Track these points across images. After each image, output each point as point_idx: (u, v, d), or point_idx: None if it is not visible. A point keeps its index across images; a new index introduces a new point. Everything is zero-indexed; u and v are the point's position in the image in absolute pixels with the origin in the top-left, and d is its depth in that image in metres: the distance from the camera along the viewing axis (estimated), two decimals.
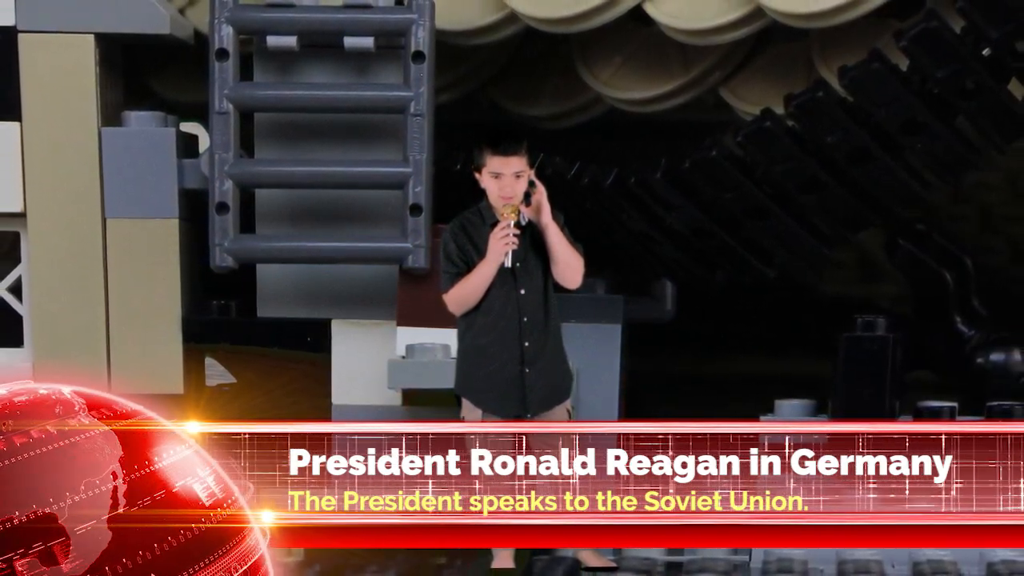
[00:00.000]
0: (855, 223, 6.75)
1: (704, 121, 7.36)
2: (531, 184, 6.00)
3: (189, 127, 7.07)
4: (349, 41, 6.71)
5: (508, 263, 5.99)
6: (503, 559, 6.28)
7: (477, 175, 6.05)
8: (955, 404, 6.68)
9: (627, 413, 7.25)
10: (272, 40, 6.74)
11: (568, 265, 6.02)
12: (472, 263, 6.03)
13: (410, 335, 6.79)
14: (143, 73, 7.40)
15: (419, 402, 6.91)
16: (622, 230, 6.92)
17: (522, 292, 6.07)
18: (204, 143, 6.91)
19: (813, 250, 6.82)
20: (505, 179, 6.00)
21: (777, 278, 6.96)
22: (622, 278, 7.18)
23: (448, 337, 6.73)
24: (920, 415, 6.66)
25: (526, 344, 6.09)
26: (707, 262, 6.92)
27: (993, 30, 6.34)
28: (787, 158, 6.58)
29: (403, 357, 6.79)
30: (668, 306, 7.27)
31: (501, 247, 5.96)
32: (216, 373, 7.14)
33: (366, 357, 6.88)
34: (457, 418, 6.45)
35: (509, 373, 6.11)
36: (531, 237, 6.08)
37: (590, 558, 6.33)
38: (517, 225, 5.99)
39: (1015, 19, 6.31)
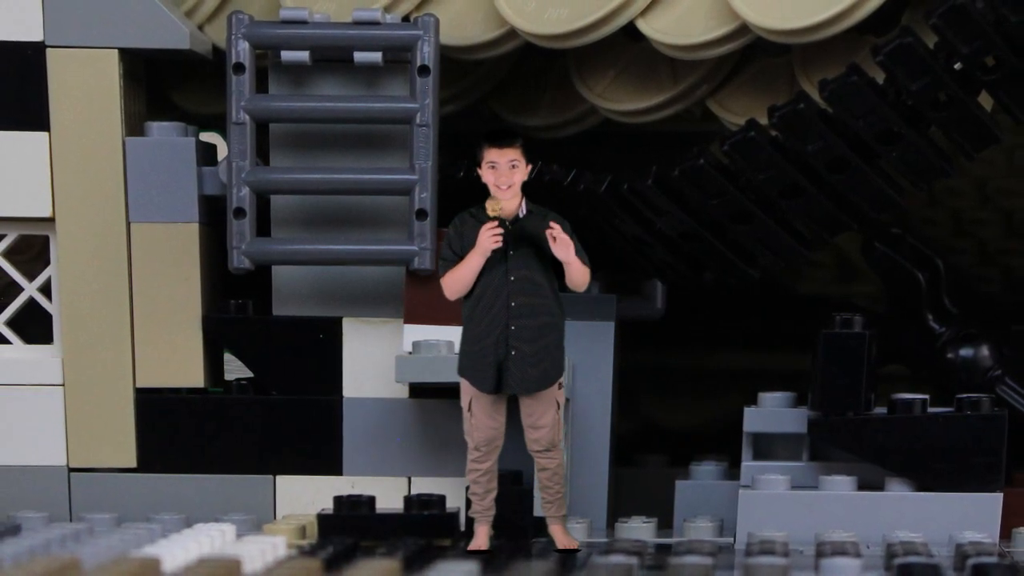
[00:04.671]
0: (834, 227, 6.78)
1: (692, 131, 7.43)
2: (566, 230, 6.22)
3: (208, 137, 7.14)
4: (359, 56, 6.77)
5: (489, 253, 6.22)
6: (479, 541, 6.38)
7: (479, 171, 6.27)
8: (927, 397, 6.67)
9: (620, 406, 7.23)
10: (286, 55, 6.81)
11: (580, 282, 6.27)
12: (461, 254, 6.25)
13: (416, 332, 6.83)
14: (164, 86, 7.45)
15: (424, 395, 6.88)
16: (615, 234, 6.93)
17: (512, 279, 6.27)
18: (222, 152, 6.94)
19: (794, 252, 6.78)
20: (501, 168, 6.23)
21: (761, 278, 6.92)
22: (615, 278, 7.18)
23: (452, 334, 6.76)
24: (894, 407, 6.64)
25: (512, 328, 6.26)
26: (695, 263, 6.93)
27: (964, 46, 6.39)
28: (770, 166, 6.61)
29: (410, 353, 6.80)
30: (658, 305, 7.28)
31: (489, 245, 6.19)
32: (234, 368, 7.14)
33: (375, 353, 6.90)
34: (456, 409, 6.45)
35: (494, 353, 6.27)
36: (529, 229, 6.24)
37: (559, 534, 6.33)
38: (501, 223, 6.20)
39: (984, 36, 6.29)
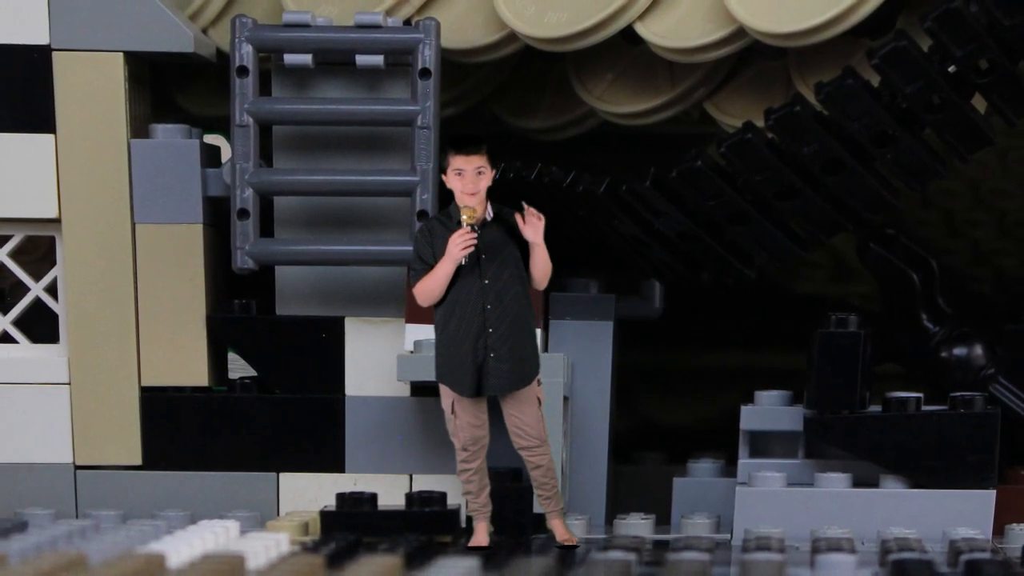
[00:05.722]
0: (829, 227, 6.80)
1: (690, 133, 7.43)
2: (529, 208, 6.22)
3: (212, 139, 7.12)
4: (361, 59, 6.79)
5: (464, 261, 6.24)
6: (479, 538, 6.41)
7: (444, 177, 6.30)
8: (921, 395, 6.68)
9: (618, 404, 7.25)
10: (289, 58, 6.83)
11: (545, 275, 6.29)
12: (433, 262, 6.26)
13: (418, 331, 6.85)
14: (169, 89, 7.42)
15: (426, 393, 6.90)
16: (614, 234, 6.95)
17: (486, 283, 6.30)
18: (226, 154, 6.93)
19: (790, 252, 6.80)
20: (467, 175, 6.25)
21: (757, 278, 6.94)
22: (614, 278, 7.19)
23: None
24: (888, 405, 6.66)
25: (490, 331, 6.30)
26: (692, 264, 6.95)
27: (958, 49, 6.41)
28: (766, 168, 6.63)
29: (411, 352, 6.81)
30: (656, 304, 7.30)
31: (458, 253, 6.20)
32: (238, 366, 7.16)
33: (377, 352, 6.92)
34: None
35: (474, 357, 6.30)
36: (498, 232, 6.28)
37: (559, 529, 6.36)
38: (473, 228, 6.22)
39: (978, 39, 6.31)
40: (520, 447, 6.38)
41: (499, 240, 6.27)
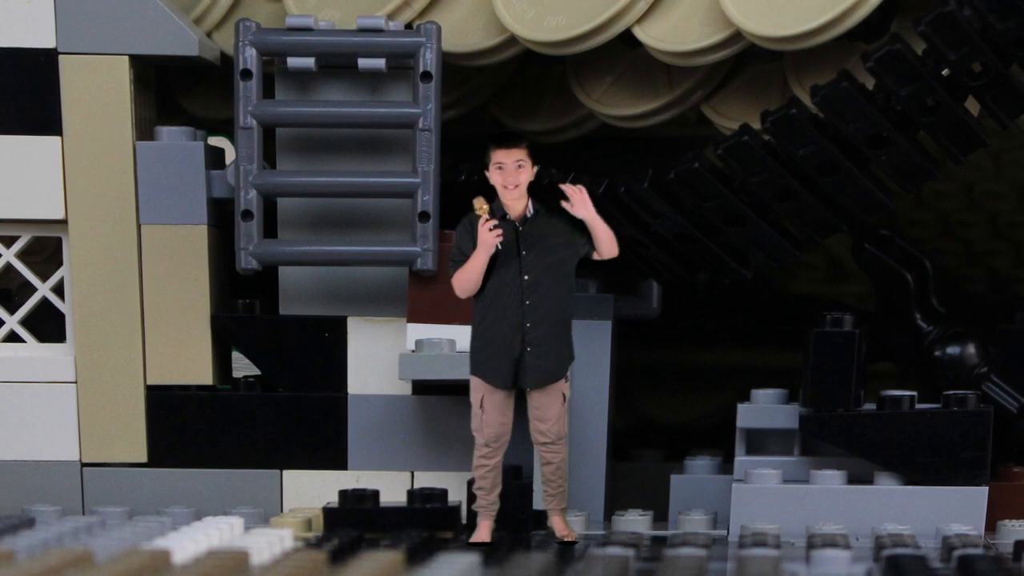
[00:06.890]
0: (824, 228, 6.82)
1: (687, 136, 7.44)
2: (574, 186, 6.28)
3: (216, 141, 7.12)
4: (363, 62, 6.80)
5: (499, 247, 6.25)
6: (481, 534, 6.42)
7: (487, 173, 6.33)
8: (915, 393, 6.70)
9: (617, 402, 7.26)
10: (292, 61, 6.84)
11: (608, 242, 6.30)
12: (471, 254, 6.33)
13: (419, 331, 6.87)
14: (174, 92, 7.43)
15: (427, 392, 6.91)
16: None
17: (525, 278, 6.32)
18: (230, 156, 6.95)
19: (786, 253, 6.81)
20: (507, 168, 6.29)
21: (753, 278, 6.96)
22: (612, 279, 7.20)
23: (454, 333, 6.80)
24: (882, 403, 6.67)
25: (527, 325, 6.32)
26: (689, 264, 6.95)
27: (952, 52, 6.42)
28: (762, 169, 6.64)
29: (413, 351, 6.82)
30: (654, 304, 7.31)
31: (492, 240, 6.23)
32: (242, 365, 7.17)
33: (379, 351, 6.93)
34: (458, 405, 6.48)
35: (510, 350, 6.32)
36: (539, 228, 6.30)
37: (559, 525, 6.37)
38: (491, 217, 6.24)
39: (971, 42, 6.33)
40: (538, 442, 6.40)
41: (540, 236, 6.29)
